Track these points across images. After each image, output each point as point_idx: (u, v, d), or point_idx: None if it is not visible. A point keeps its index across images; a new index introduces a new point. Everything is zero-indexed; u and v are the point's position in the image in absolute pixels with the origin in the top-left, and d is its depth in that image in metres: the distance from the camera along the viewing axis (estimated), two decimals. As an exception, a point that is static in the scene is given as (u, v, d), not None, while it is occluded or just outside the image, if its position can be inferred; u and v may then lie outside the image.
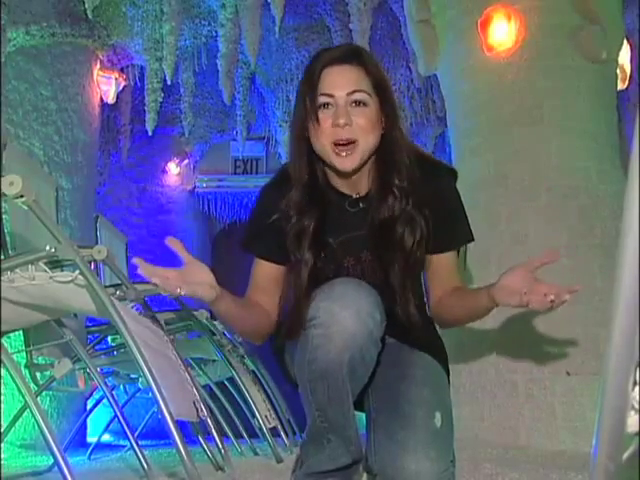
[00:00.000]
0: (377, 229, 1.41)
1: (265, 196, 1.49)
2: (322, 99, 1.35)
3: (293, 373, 1.38)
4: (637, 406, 0.42)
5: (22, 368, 2.01)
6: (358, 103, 1.35)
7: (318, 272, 1.39)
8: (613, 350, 0.43)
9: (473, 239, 1.49)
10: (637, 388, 0.42)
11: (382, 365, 1.39)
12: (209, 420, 1.81)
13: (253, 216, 1.51)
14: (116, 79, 5.63)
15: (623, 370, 0.42)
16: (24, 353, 2.17)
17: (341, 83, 1.35)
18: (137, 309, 1.81)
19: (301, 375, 1.30)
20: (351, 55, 1.38)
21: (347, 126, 1.33)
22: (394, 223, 1.39)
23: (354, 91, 1.35)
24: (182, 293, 1.20)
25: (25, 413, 2.30)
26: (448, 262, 1.47)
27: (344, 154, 1.35)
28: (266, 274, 1.47)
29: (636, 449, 0.42)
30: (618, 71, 3.39)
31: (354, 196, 1.45)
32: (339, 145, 1.35)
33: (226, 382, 3.47)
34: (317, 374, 1.26)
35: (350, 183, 1.44)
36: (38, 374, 2.27)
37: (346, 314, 1.23)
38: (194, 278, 1.24)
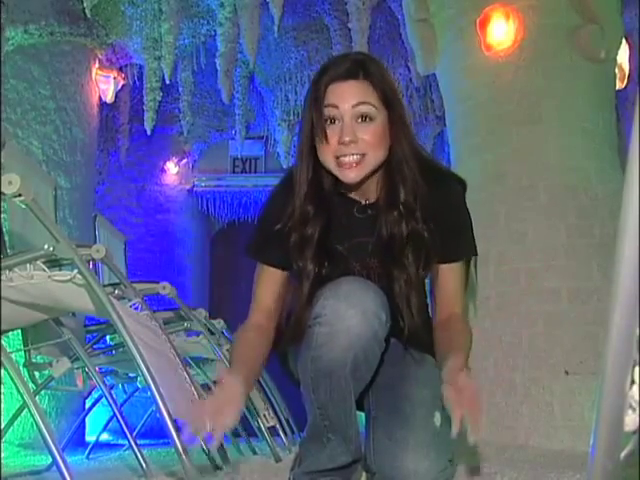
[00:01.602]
0: (384, 243, 1.40)
1: (271, 203, 1.48)
2: (328, 111, 1.34)
3: (296, 371, 1.38)
4: (634, 405, 0.42)
5: (20, 367, 2.01)
6: (364, 118, 1.33)
7: (323, 277, 1.37)
8: (611, 349, 0.43)
9: (476, 254, 1.47)
10: (635, 387, 0.42)
11: (384, 364, 1.39)
12: (208, 419, 1.81)
13: (260, 223, 1.50)
14: (115, 78, 5.63)
15: (621, 369, 0.42)
16: (22, 352, 2.17)
17: (347, 96, 1.34)
18: (136, 308, 1.81)
19: (304, 372, 1.30)
20: (357, 69, 1.36)
21: (352, 143, 1.32)
22: (400, 240, 1.38)
23: (359, 103, 1.33)
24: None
25: (24, 412, 2.30)
26: (452, 279, 1.44)
27: (348, 166, 1.34)
28: (272, 281, 1.46)
29: (633, 448, 0.42)
30: (617, 70, 3.40)
31: (363, 202, 1.45)
32: (343, 160, 1.34)
33: (225, 381, 3.46)
34: (320, 372, 1.26)
35: (359, 190, 1.43)
36: (37, 373, 2.27)
37: (352, 313, 1.23)
38: (225, 412, 1.23)
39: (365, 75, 1.35)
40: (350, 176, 1.35)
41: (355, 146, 1.33)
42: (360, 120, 1.34)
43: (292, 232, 1.39)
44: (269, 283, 1.46)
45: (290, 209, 1.40)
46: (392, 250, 1.39)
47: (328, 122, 1.34)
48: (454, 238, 1.43)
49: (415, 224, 1.38)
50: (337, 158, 1.34)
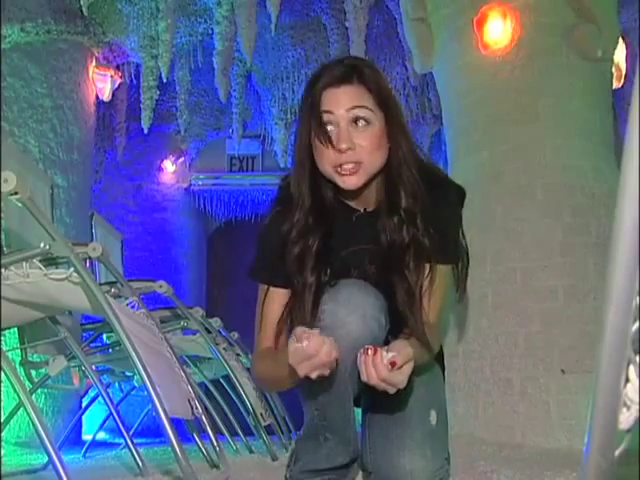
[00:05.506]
0: (383, 250, 1.38)
1: (271, 222, 1.43)
2: (323, 117, 1.31)
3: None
4: (629, 403, 0.42)
5: (17, 366, 2.01)
6: (360, 120, 1.31)
7: (322, 286, 1.34)
8: (605, 347, 0.43)
9: (455, 263, 1.42)
10: (629, 385, 0.42)
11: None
12: (204, 418, 1.81)
13: (261, 245, 1.46)
14: (112, 77, 5.62)
15: (615, 367, 0.42)
16: (19, 351, 2.16)
17: (342, 101, 1.31)
18: (132, 307, 1.81)
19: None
20: (351, 73, 1.33)
21: (349, 150, 1.30)
22: (401, 248, 1.36)
23: (354, 107, 1.30)
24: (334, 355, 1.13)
25: (20, 411, 2.29)
26: (429, 281, 1.37)
27: (347, 173, 1.31)
28: (279, 304, 1.41)
29: (628, 446, 0.42)
30: (614, 69, 3.40)
31: (362, 210, 1.43)
32: (342, 168, 1.31)
33: (221, 380, 3.47)
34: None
35: (359, 199, 1.42)
36: (33, 372, 2.26)
37: (352, 319, 1.23)
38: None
39: (359, 79, 1.33)
40: (351, 182, 1.33)
41: (353, 153, 1.30)
42: (356, 124, 1.31)
43: (293, 245, 1.36)
44: (277, 307, 1.41)
45: (287, 227, 1.37)
46: (392, 258, 1.36)
47: (324, 129, 1.31)
48: (436, 241, 1.38)
49: (416, 231, 1.35)
50: (336, 167, 1.32)
